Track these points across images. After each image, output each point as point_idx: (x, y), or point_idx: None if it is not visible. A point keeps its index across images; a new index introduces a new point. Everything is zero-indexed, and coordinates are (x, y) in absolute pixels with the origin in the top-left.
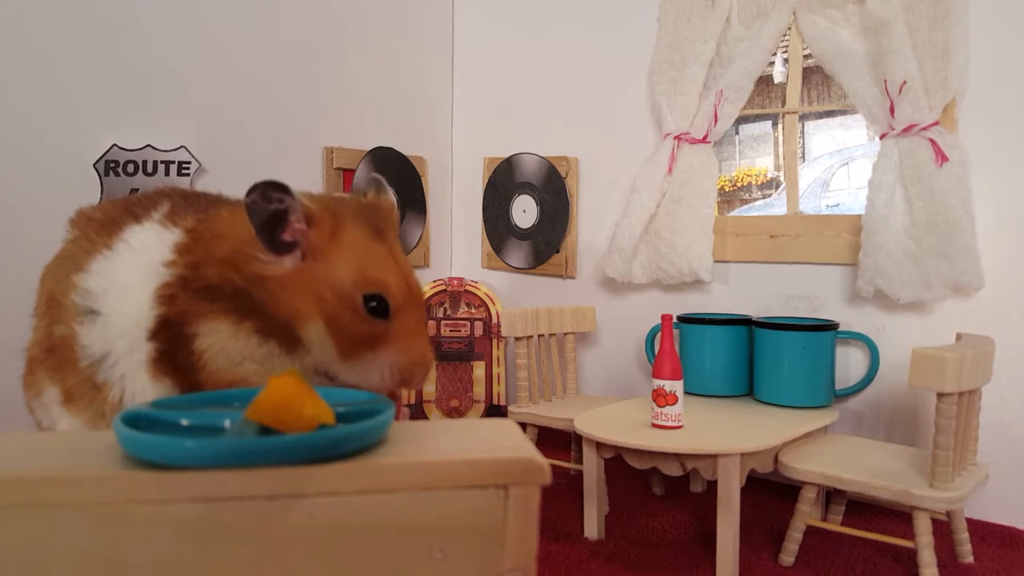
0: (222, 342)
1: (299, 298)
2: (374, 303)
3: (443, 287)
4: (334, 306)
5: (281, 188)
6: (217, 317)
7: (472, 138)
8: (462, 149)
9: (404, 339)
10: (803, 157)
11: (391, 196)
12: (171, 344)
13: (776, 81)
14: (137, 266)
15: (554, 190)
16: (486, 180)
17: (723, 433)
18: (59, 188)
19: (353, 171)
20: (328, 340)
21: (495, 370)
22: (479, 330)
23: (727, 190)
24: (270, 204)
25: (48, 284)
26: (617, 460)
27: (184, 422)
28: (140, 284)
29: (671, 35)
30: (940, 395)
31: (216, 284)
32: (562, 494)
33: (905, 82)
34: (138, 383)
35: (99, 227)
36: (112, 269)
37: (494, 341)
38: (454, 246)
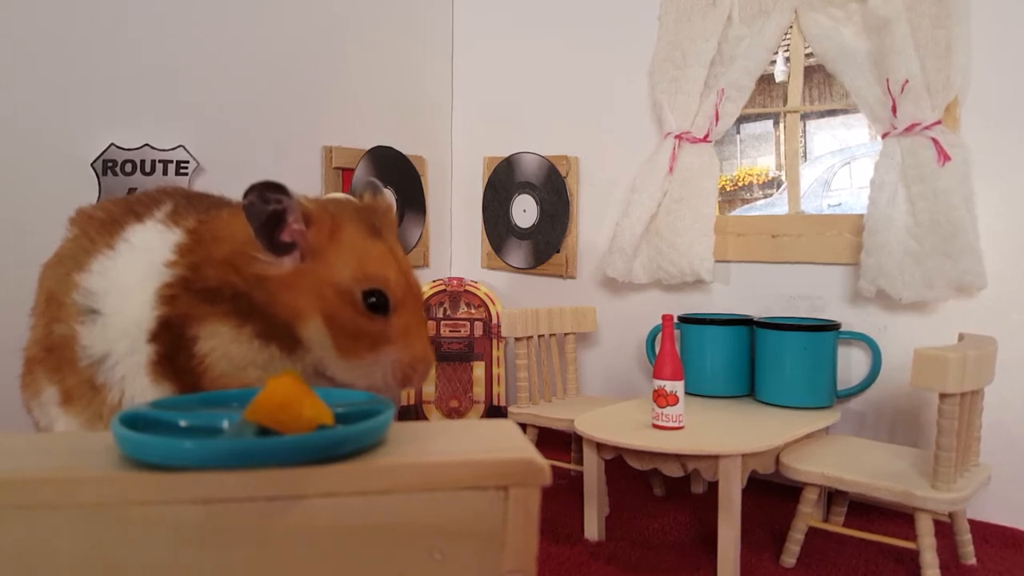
0: (224, 346)
1: (299, 298)
2: (373, 299)
3: (443, 287)
4: (333, 303)
5: (278, 188)
6: (218, 320)
7: (472, 137)
8: (462, 148)
9: (405, 336)
10: (804, 156)
11: (387, 197)
12: (172, 347)
13: (777, 80)
14: (139, 266)
15: (554, 189)
16: (486, 180)
17: (724, 434)
18: (57, 187)
19: (352, 170)
20: (327, 338)
21: (495, 370)
22: (479, 330)
23: (728, 189)
24: (268, 205)
25: (47, 283)
26: (618, 461)
27: (182, 423)
28: (141, 284)
29: (672, 34)
30: (942, 396)
31: (217, 286)
32: (562, 495)
33: (907, 81)
34: (138, 385)
35: (100, 226)
36: (114, 269)
37: (494, 341)
38: (454, 246)
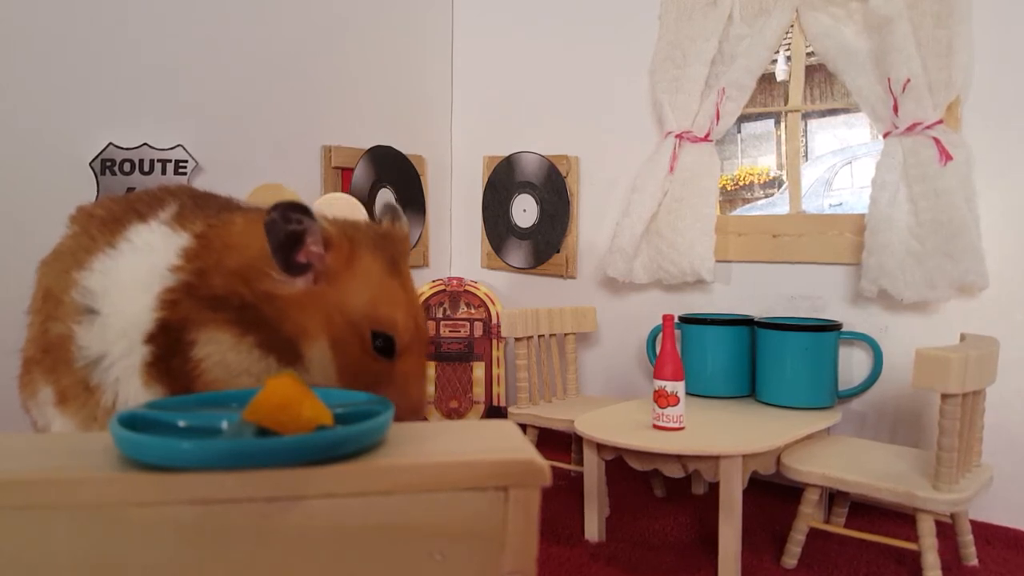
0: (222, 353)
1: (308, 318)
2: (380, 342)
3: (442, 287)
4: (342, 331)
5: (302, 209)
6: (220, 327)
7: (472, 137)
8: (462, 148)
9: (404, 383)
10: (806, 156)
11: (406, 225)
12: (167, 349)
13: (778, 79)
14: (141, 267)
15: (554, 189)
16: (486, 179)
17: (725, 434)
18: (54, 187)
19: (352, 170)
20: (331, 363)
21: (495, 371)
22: (479, 330)
23: (729, 189)
24: (289, 224)
25: (45, 280)
26: (618, 462)
27: (181, 423)
28: (143, 286)
29: (672, 33)
30: (944, 396)
31: (222, 295)
32: (562, 496)
33: (909, 80)
34: (131, 388)
35: (101, 224)
36: (115, 268)
37: (494, 341)
38: (453, 246)
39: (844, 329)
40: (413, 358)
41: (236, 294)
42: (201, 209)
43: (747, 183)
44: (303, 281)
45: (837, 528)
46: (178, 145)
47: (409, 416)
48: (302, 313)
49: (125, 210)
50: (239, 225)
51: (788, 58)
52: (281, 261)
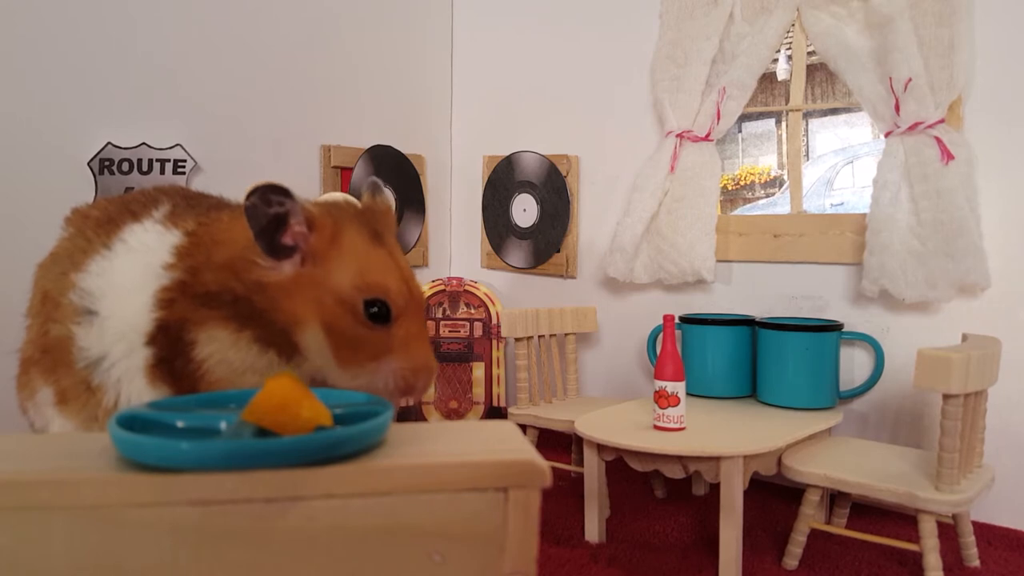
0: (223, 351)
1: (298, 304)
2: (375, 308)
3: (442, 287)
4: (334, 311)
5: (282, 191)
6: (217, 325)
7: (471, 136)
8: (461, 147)
9: (406, 345)
10: (807, 155)
11: (388, 198)
12: (170, 351)
13: (780, 78)
14: (136, 267)
15: (554, 189)
16: (486, 179)
17: (726, 435)
18: (53, 187)
19: (351, 169)
20: (325, 346)
21: (495, 371)
22: (479, 331)
23: (730, 189)
24: (270, 208)
25: (43, 282)
26: (618, 462)
27: (180, 424)
28: (139, 286)
29: (673, 32)
30: (946, 396)
31: (216, 291)
32: (563, 497)
33: (910, 79)
34: (135, 388)
35: (96, 225)
36: (111, 269)
37: (494, 342)
38: (453, 245)
39: (845, 329)
40: (411, 321)
41: (228, 288)
42: (192, 208)
43: (748, 183)
44: (290, 265)
45: (838, 529)
46: (177, 144)
47: (422, 377)
48: (292, 300)
49: (120, 210)
50: (225, 221)
51: (789, 57)
52: (265, 245)
